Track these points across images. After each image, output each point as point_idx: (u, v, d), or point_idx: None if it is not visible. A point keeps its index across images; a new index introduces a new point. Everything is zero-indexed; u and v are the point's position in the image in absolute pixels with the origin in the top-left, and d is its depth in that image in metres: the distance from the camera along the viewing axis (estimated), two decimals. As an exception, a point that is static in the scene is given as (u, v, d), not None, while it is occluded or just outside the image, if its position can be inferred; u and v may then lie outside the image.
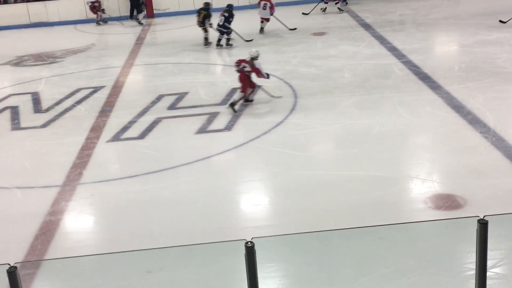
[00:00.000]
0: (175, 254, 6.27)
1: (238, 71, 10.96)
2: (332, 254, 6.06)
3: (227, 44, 15.86)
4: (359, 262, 6.02)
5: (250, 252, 3.33)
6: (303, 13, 19.14)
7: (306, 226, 6.87)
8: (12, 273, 2.95)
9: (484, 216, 3.75)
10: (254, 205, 7.70)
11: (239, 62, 10.93)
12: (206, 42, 16.11)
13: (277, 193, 7.90)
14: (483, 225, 3.63)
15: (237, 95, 10.99)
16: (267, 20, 17.18)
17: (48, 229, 7.29)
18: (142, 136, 10.04)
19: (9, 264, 2.95)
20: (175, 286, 5.94)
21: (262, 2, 16.97)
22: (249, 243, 3.35)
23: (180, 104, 11.50)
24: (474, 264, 5.87)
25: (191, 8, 20.65)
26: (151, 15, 21.49)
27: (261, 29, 17.33)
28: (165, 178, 8.50)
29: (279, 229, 6.87)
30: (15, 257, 6.49)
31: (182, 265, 6.09)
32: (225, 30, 15.64)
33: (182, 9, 19.94)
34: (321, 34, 16.55)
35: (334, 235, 5.87)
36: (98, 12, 20.39)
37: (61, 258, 6.37)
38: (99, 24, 20.30)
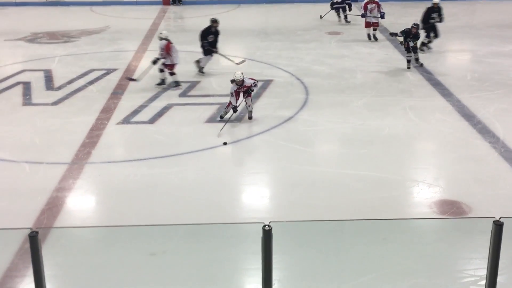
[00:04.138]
0: (178, 239, 6.33)
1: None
2: (336, 250, 6.11)
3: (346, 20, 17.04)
4: (360, 261, 6.06)
5: (267, 235, 3.33)
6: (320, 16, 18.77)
7: (311, 223, 6.90)
8: (33, 237, 3.00)
9: (500, 218, 3.75)
10: (259, 197, 7.75)
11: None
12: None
13: (282, 187, 7.95)
14: (498, 226, 3.62)
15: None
16: (376, 24, 15.65)
17: (54, 205, 7.35)
18: (152, 120, 10.09)
19: (30, 229, 3.00)
20: (178, 268, 5.99)
21: (369, 5, 15.35)
22: (267, 226, 3.35)
23: (192, 92, 11.55)
24: (474, 271, 5.95)
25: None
26: (166, 2, 21.53)
27: (371, 36, 15.61)
28: (173, 164, 8.55)
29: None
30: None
31: (185, 249, 6.16)
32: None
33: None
34: (336, 33, 16.55)
35: (338, 231, 5.93)
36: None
37: (70, 227, 6.42)
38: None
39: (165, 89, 11.64)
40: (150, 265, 6.04)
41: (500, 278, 5.71)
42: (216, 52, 12.78)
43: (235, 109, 9.85)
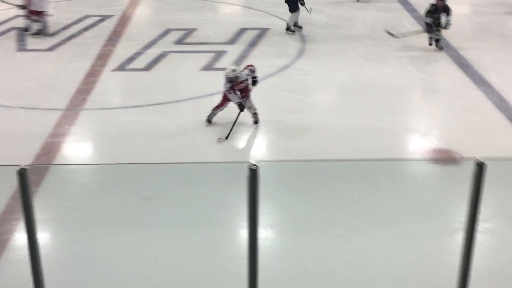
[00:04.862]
0: (173, 184, 6.40)
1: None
2: (327, 196, 6.19)
3: None
4: (351, 207, 6.15)
5: (253, 175, 3.26)
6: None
7: (304, 169, 6.97)
8: (22, 174, 3.02)
9: (482, 158, 3.70)
10: (254, 144, 7.80)
11: None
12: None
13: (277, 135, 7.97)
14: (479, 167, 3.51)
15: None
16: None
17: (49, 150, 7.39)
18: (147, 68, 10.06)
19: (20, 166, 3.03)
20: (172, 213, 6.08)
21: None
22: (253, 166, 3.28)
23: (188, 40, 11.46)
24: (464, 217, 6.02)
25: None
26: None
27: None
28: (168, 111, 8.56)
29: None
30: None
31: (179, 194, 6.24)
32: None
33: None
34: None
35: (330, 177, 5.98)
36: None
37: (66, 164, 6.44)
38: None
39: (161, 36, 11.55)
40: (144, 209, 6.13)
41: (487, 224, 5.83)
42: (302, 4, 11.93)
43: (241, 107, 7.84)
